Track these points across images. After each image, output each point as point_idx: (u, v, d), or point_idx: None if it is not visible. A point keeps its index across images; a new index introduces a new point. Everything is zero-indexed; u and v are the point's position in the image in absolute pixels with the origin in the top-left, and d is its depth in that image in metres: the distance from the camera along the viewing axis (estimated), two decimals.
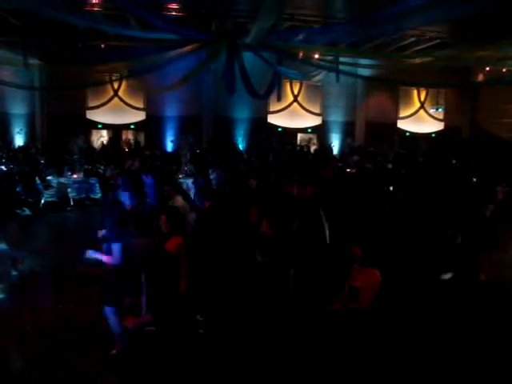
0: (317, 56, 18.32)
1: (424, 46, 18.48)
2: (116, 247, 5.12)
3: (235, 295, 5.84)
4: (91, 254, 5.28)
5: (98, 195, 14.20)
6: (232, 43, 14.93)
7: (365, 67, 20.17)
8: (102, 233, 5.77)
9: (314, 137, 24.37)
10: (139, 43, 17.67)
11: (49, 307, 6.51)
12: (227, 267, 5.52)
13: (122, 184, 7.84)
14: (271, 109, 23.39)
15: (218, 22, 16.38)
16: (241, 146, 22.54)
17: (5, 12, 14.88)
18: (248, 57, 15.97)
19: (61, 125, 20.36)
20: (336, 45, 17.80)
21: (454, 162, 19.15)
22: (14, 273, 7.44)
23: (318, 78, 20.77)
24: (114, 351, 5.29)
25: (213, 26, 16.89)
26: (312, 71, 20.11)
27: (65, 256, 9.00)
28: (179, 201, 6.30)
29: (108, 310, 5.23)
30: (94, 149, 20.27)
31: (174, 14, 15.51)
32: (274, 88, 17.89)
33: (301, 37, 16.35)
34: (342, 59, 18.21)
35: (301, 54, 17.92)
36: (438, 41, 17.90)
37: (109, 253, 5.19)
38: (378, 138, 23.18)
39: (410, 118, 24.90)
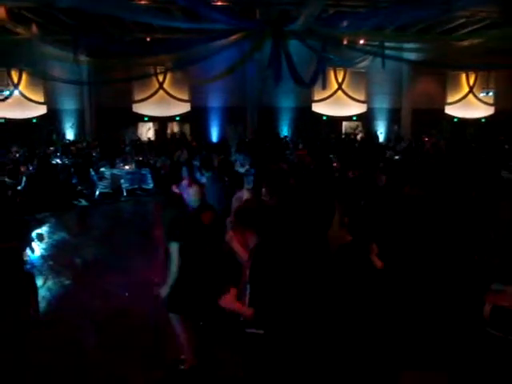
0: (362, 42, 18.06)
1: (473, 27, 17.89)
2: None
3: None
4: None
5: (150, 185, 14.51)
6: (278, 31, 14.86)
7: (411, 51, 19.75)
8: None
9: (359, 124, 24.04)
10: (183, 35, 17.86)
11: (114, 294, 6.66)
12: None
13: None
14: (316, 97, 23.20)
15: (262, 10, 16.29)
16: (286, 136, 22.45)
17: (55, 10, 15.29)
18: (292, 45, 15.86)
19: (109, 119, 20.88)
20: (382, 29, 17.43)
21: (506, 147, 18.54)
22: None
23: (362, 64, 20.45)
24: (183, 366, 4.67)
25: (257, 15, 16.82)
26: (357, 57, 19.83)
27: (122, 244, 9.28)
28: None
29: (173, 317, 4.60)
30: (143, 141, 20.67)
31: (218, 3, 15.49)
32: (319, 76, 17.71)
33: (346, 23, 16.17)
34: (387, 44, 17.89)
35: (346, 41, 17.71)
36: (487, 21, 17.30)
37: None
38: (425, 124, 22.69)
39: (458, 104, 24.23)
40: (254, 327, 2.93)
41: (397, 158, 15.66)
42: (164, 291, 4.44)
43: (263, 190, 5.11)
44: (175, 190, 7.89)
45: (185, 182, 7.77)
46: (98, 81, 20.50)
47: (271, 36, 15.15)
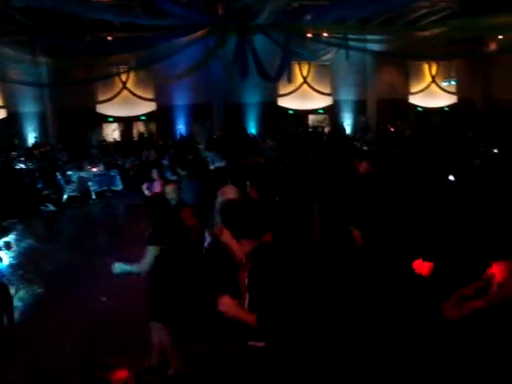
0: (326, 34, 18.13)
1: (434, 18, 18.14)
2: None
3: None
4: (118, 269, 4.46)
5: (119, 187, 14.23)
6: (242, 26, 14.74)
7: (374, 42, 19.94)
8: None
9: (326, 117, 24.14)
10: (146, 33, 17.54)
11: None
12: None
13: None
14: (281, 92, 23.15)
15: (224, 5, 16.13)
16: (253, 131, 22.37)
17: (12, 10, 14.77)
18: (256, 39, 15.78)
19: (72, 120, 20.31)
20: (345, 22, 17.51)
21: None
22: None
23: (327, 57, 20.54)
24: (171, 370, 4.51)
25: (219, 11, 16.65)
26: (321, 50, 19.91)
27: (94, 248, 9.04)
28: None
29: (154, 325, 4.45)
30: (109, 142, 20.26)
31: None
32: (285, 69, 17.69)
33: (310, 16, 16.19)
34: (350, 36, 18.01)
35: (310, 34, 17.73)
36: (448, 12, 17.57)
37: None
38: (390, 114, 22.98)
39: (421, 93, 24.59)
40: (254, 339, 2.80)
41: (366, 148, 15.74)
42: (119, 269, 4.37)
43: (248, 185, 5.02)
44: (146, 190, 7.74)
45: (157, 183, 7.63)
46: (59, 82, 19.97)
47: (236, 31, 15.03)
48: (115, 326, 5.66)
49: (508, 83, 22.63)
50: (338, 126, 23.09)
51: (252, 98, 22.66)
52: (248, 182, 5.04)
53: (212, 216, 6.39)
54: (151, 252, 4.24)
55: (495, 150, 14.66)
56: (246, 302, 2.86)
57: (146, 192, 7.67)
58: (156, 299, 4.32)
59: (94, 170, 14.11)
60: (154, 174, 7.63)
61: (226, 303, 2.81)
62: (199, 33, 16.43)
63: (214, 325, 3.27)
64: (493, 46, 21.27)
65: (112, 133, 21.85)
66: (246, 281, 2.85)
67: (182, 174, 7.44)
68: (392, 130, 20.85)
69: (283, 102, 23.42)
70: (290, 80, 19.04)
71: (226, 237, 2.99)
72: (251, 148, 14.69)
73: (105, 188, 14.20)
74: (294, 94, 23.34)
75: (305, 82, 23.48)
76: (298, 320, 2.88)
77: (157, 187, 7.52)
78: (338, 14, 15.68)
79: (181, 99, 21.82)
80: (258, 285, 2.80)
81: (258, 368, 2.83)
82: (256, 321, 2.72)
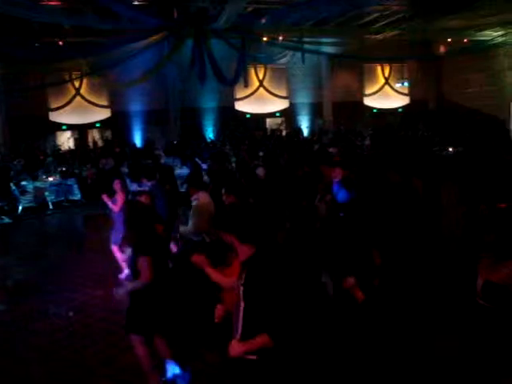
0: (281, 38, 18.21)
1: (387, 21, 18.52)
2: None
3: None
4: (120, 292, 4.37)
5: (78, 196, 13.78)
6: (199, 30, 14.62)
7: (329, 45, 20.22)
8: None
9: (283, 120, 24.25)
10: (99, 38, 17.12)
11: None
12: None
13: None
14: (238, 96, 23.10)
15: (179, 9, 15.95)
16: (211, 136, 22.22)
17: None
18: (211, 43, 15.67)
19: (24, 128, 19.52)
20: (300, 25, 17.65)
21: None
22: None
23: (283, 60, 20.65)
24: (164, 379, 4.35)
25: (175, 15, 16.44)
26: (277, 53, 19.99)
27: (55, 260, 8.71)
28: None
29: (134, 339, 4.28)
30: (64, 150, 19.62)
31: (135, 2, 14.94)
32: (241, 73, 17.66)
33: (265, 19, 16.23)
34: (306, 39, 18.16)
35: (265, 38, 17.77)
36: (400, 15, 17.97)
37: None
38: (346, 116, 23.30)
39: (375, 95, 25.08)
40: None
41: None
42: (122, 292, 4.24)
43: (223, 191, 4.93)
44: (109, 202, 7.50)
45: (119, 194, 7.38)
46: (9, 89, 19.22)
47: (192, 35, 14.89)
48: (76, 340, 5.47)
49: (457, 85, 23.44)
50: (295, 129, 23.23)
51: (209, 102, 22.51)
52: (223, 189, 4.94)
53: (177, 226, 6.29)
54: (144, 262, 4.06)
55: (450, 149, 15.11)
56: (241, 309, 2.78)
57: (110, 204, 7.43)
58: (138, 309, 4.17)
59: (50, 179, 13.62)
60: (117, 184, 7.37)
61: (235, 348, 2.75)
62: (154, 37, 16.20)
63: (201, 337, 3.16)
64: (442, 49, 21.92)
65: (67, 141, 21.19)
66: (242, 289, 2.77)
67: (151, 183, 7.22)
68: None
69: (240, 106, 23.38)
70: (246, 84, 19.05)
71: (209, 269, 2.98)
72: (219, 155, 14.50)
73: (62, 198, 13.75)
74: (250, 98, 23.33)
75: (261, 85, 23.52)
76: (298, 324, 2.82)
77: (119, 199, 7.29)
78: (293, 18, 15.84)
79: (136, 105, 21.41)
80: (255, 292, 2.72)
81: (251, 381, 2.74)
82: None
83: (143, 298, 4.12)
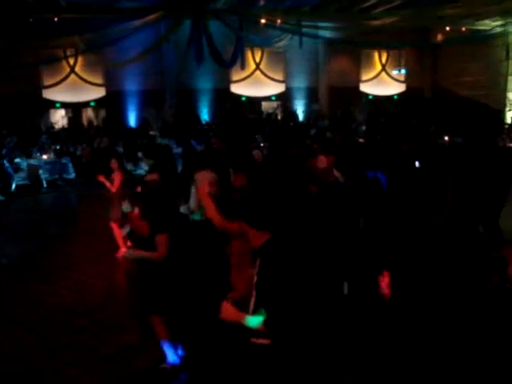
0: (279, 21, 18.06)
1: (387, 6, 18.38)
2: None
3: None
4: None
5: (72, 175, 13.70)
6: (198, 10, 14.45)
7: (327, 29, 20.06)
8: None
9: (279, 104, 24.14)
10: (95, 15, 16.88)
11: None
12: None
13: None
14: (234, 78, 22.93)
15: None
16: (206, 118, 22.11)
17: None
18: (209, 25, 15.51)
19: (16, 106, 19.27)
20: (299, 8, 17.51)
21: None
22: None
23: (280, 43, 20.49)
24: (164, 365, 4.33)
25: None
26: (275, 37, 19.84)
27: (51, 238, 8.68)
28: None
29: (153, 319, 4.25)
30: (58, 129, 19.42)
31: None
32: (238, 55, 17.53)
33: (263, 2, 16.09)
34: (304, 23, 18.03)
35: (263, 20, 17.60)
36: (399, 1, 17.84)
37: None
38: (342, 102, 23.24)
39: (372, 81, 24.99)
40: (260, 336, 2.68)
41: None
42: (131, 256, 4.30)
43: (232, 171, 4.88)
44: (104, 181, 7.47)
45: (116, 174, 7.36)
46: (1, 65, 18.91)
47: (191, 15, 14.72)
48: (76, 319, 5.46)
49: (453, 74, 23.43)
50: (291, 113, 23.16)
51: (205, 84, 22.32)
52: (231, 169, 4.89)
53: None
54: (164, 239, 4.08)
55: (446, 138, 15.13)
56: (253, 299, 2.74)
57: (107, 184, 7.41)
58: (155, 289, 4.19)
59: (44, 157, 13.51)
60: (114, 163, 7.34)
61: (227, 310, 2.72)
62: (151, 16, 15.99)
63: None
64: (440, 37, 21.84)
65: (61, 119, 20.96)
66: (255, 278, 2.72)
67: (149, 162, 7.19)
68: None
69: (236, 89, 23.23)
70: (243, 66, 18.91)
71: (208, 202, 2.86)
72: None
73: (56, 176, 13.64)
74: (246, 81, 23.18)
75: (258, 68, 23.36)
76: (309, 318, 2.79)
77: (117, 178, 7.28)
78: (291, 1, 15.71)
79: (132, 85, 21.16)
80: (269, 282, 2.65)
81: (261, 365, 2.74)
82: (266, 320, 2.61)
83: (160, 277, 4.13)
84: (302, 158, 6.37)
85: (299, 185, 5.32)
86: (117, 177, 7.38)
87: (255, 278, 2.72)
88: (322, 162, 5.78)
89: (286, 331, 2.65)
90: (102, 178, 7.52)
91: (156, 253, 4.09)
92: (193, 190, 5.36)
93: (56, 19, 17.14)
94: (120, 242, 7.41)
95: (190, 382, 4.26)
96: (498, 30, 19.03)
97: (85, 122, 21.24)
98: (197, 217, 5.33)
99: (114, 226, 7.37)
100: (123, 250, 7.30)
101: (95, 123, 20.88)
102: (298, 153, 6.89)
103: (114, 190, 7.32)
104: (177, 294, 4.13)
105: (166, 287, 4.15)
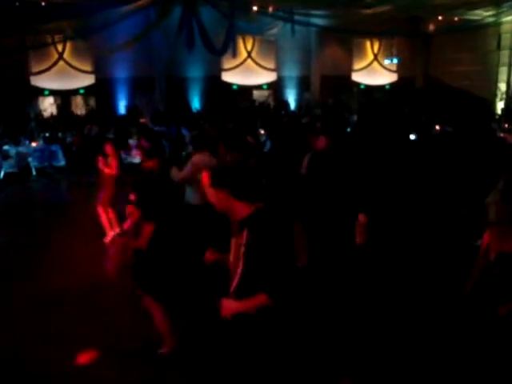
0: (271, 8, 17.91)
1: None
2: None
3: None
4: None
5: (62, 162, 13.50)
6: None
7: (319, 17, 19.94)
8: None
9: (270, 93, 24.02)
10: (84, 0, 16.58)
11: None
12: None
13: None
14: (225, 66, 22.72)
15: None
16: (197, 106, 21.94)
17: None
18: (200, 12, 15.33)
19: (3, 92, 18.92)
20: None
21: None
22: None
23: (272, 32, 20.34)
24: (162, 350, 4.33)
25: None
26: (267, 25, 19.68)
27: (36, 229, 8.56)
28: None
29: (147, 300, 4.30)
30: (46, 117, 19.14)
31: None
32: (230, 43, 17.34)
33: None
34: (296, 11, 17.90)
35: (255, 7, 17.44)
36: None
37: None
38: (334, 91, 23.16)
39: (363, 70, 24.90)
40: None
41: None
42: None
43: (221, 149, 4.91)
44: (102, 164, 7.38)
45: (112, 158, 7.30)
46: None
47: (182, 2, 14.53)
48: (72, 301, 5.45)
49: (445, 64, 23.41)
50: (283, 102, 23.06)
51: (195, 71, 22.07)
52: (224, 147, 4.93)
53: None
54: (149, 229, 4.12)
55: (437, 127, 15.19)
56: (240, 269, 2.73)
57: (105, 169, 7.32)
58: (149, 271, 4.20)
59: (34, 144, 13.29)
60: (109, 148, 7.26)
61: (227, 306, 2.71)
62: (141, 2, 15.77)
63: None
64: (432, 27, 21.79)
65: (50, 107, 20.65)
66: (242, 249, 2.70)
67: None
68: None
69: (227, 77, 23.03)
70: (234, 54, 18.71)
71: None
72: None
73: (46, 164, 13.44)
74: (238, 69, 22.99)
75: (249, 56, 23.16)
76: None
77: (113, 163, 7.21)
78: None
79: (121, 72, 20.88)
80: (258, 252, 2.65)
81: (256, 336, 2.75)
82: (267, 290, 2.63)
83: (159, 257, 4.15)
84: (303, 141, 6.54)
85: None
86: (113, 161, 7.32)
87: (243, 249, 2.69)
88: (322, 141, 5.96)
89: (275, 300, 2.64)
90: (101, 162, 7.38)
91: (138, 242, 4.14)
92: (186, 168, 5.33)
93: (43, 3, 16.83)
94: (106, 226, 7.45)
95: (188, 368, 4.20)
96: (490, 19, 19.04)
97: (74, 110, 20.95)
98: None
99: (101, 209, 7.41)
100: (111, 235, 7.41)
101: (84, 111, 20.59)
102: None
103: (113, 172, 7.28)
104: (169, 280, 4.17)
105: (157, 273, 4.16)
